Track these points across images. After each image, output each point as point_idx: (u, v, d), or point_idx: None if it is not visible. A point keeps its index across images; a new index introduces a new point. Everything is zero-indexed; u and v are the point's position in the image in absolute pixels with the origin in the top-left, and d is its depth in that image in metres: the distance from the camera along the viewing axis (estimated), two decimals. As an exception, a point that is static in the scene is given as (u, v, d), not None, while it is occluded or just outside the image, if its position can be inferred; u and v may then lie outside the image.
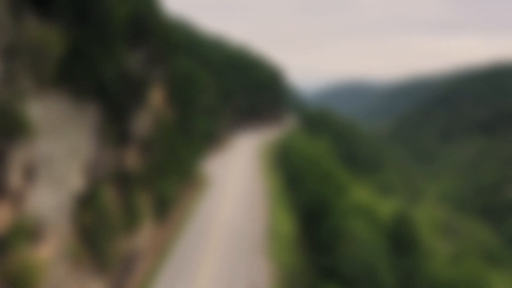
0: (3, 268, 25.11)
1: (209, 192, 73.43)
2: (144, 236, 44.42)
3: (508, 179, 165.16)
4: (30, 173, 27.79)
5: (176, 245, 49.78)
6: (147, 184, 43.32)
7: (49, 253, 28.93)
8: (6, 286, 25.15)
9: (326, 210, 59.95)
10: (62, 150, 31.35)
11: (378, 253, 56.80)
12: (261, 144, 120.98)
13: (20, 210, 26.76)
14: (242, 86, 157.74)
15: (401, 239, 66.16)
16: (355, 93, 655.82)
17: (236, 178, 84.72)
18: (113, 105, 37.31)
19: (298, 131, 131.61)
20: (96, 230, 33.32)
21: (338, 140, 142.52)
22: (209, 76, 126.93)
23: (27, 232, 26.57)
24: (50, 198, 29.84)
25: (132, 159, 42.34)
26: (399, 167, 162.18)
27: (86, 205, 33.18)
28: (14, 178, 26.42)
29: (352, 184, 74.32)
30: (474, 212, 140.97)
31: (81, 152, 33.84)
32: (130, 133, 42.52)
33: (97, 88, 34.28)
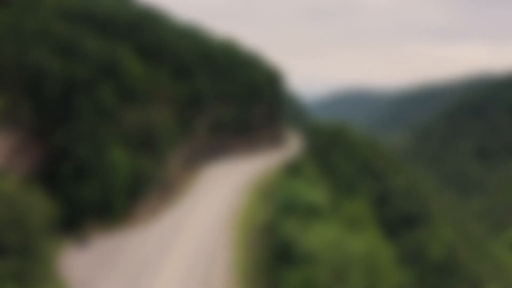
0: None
1: None
2: None
3: None
4: None
5: None
6: None
7: None
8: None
9: None
10: None
11: None
12: (244, 194, 66.20)
13: None
14: (224, 91, 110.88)
15: None
16: (359, 102, 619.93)
17: None
18: None
19: (306, 163, 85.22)
20: None
21: (363, 172, 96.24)
22: (168, 75, 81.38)
23: None
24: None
25: None
26: (450, 213, 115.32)
27: None
28: None
29: None
30: None
31: None
32: None
33: None
